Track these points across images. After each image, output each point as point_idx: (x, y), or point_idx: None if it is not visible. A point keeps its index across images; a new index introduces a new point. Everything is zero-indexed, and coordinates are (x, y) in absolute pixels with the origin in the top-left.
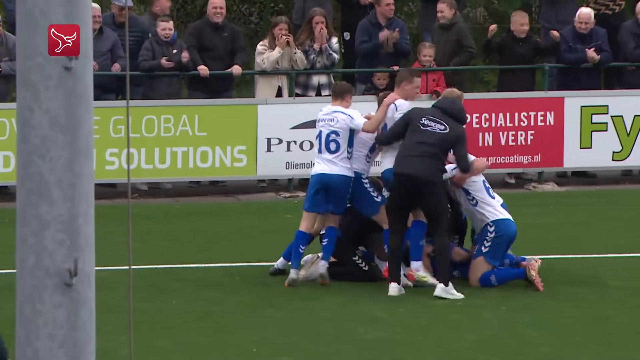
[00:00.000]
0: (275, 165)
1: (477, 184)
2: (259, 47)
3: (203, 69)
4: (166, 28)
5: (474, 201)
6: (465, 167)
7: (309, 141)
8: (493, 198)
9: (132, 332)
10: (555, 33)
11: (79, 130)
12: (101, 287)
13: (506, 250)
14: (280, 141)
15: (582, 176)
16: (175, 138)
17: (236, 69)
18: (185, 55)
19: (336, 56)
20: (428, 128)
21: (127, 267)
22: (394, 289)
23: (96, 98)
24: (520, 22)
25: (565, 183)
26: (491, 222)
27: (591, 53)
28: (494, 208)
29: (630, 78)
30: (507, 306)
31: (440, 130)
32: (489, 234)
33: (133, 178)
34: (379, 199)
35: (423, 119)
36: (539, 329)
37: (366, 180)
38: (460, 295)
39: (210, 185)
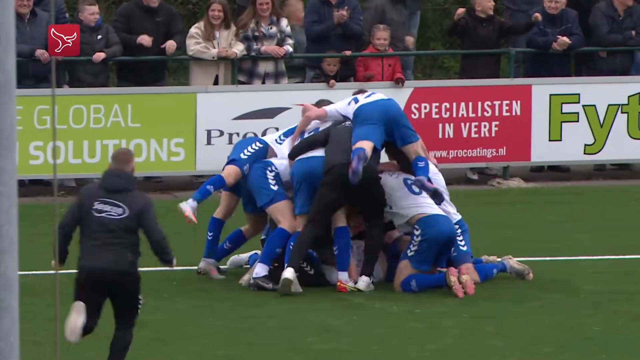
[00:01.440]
0: (216, 160)
1: (391, 179)
2: (193, 30)
3: (144, 39)
4: (94, 12)
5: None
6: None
7: (253, 133)
8: (417, 194)
9: (59, 342)
10: (537, 15)
11: (0, 122)
12: (25, 294)
13: (438, 252)
14: (222, 133)
15: (552, 171)
16: (106, 130)
17: (170, 45)
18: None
19: (291, 41)
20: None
21: (53, 272)
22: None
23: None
24: None
25: (532, 179)
26: (416, 223)
27: (562, 39)
28: (417, 204)
29: (603, 64)
30: (470, 313)
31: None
32: (414, 237)
33: (60, 174)
34: (275, 188)
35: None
36: (505, 338)
37: (271, 169)
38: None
39: (144, 181)
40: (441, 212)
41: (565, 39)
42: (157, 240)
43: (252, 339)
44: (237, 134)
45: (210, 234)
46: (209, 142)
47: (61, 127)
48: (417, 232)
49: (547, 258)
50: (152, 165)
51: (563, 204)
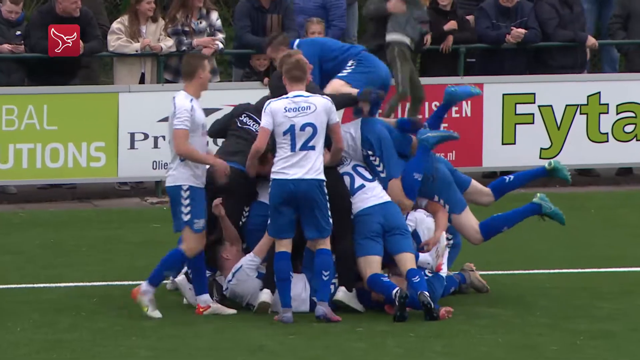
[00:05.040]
0: (139, 166)
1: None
2: (115, 25)
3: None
4: (13, 10)
5: None
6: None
7: None
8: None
9: None
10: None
11: None
12: None
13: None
14: (146, 136)
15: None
16: (20, 133)
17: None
18: None
19: (221, 36)
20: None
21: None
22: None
23: None
24: None
25: (483, 185)
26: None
27: (515, 32)
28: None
29: (560, 61)
30: (416, 332)
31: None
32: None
33: None
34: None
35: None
36: (453, 358)
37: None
38: (360, 308)
39: (62, 189)
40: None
41: (521, 30)
42: None
43: None
44: (163, 137)
45: None
46: (132, 146)
47: None
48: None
49: (499, 272)
50: (70, 171)
51: None
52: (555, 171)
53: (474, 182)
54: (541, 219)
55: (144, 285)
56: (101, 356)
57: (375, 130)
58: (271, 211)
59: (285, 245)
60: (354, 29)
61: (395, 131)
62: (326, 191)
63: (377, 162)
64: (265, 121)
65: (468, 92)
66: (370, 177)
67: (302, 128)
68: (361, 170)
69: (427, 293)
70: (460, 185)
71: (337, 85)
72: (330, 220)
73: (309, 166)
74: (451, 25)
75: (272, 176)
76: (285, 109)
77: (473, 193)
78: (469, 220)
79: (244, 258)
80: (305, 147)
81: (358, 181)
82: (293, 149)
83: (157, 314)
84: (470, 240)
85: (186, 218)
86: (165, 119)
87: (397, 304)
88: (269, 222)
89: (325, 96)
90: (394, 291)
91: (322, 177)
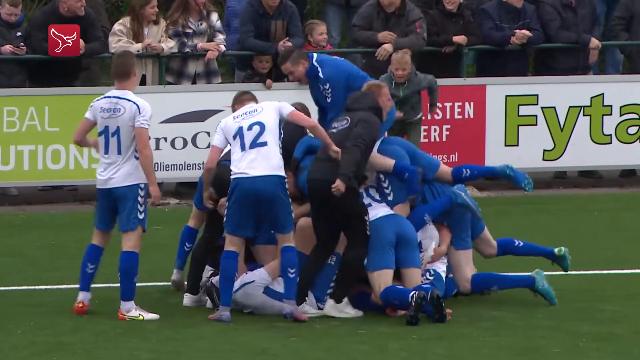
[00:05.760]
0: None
1: None
2: (116, 26)
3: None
4: (12, 13)
5: None
6: None
7: (182, 138)
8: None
9: None
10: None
11: None
12: None
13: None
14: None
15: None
16: (21, 134)
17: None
18: None
19: (222, 37)
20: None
21: None
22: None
23: None
24: None
25: (487, 187)
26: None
27: (522, 32)
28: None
29: (563, 64)
30: (418, 335)
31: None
32: None
33: None
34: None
35: None
36: None
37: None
38: (355, 313)
39: (62, 191)
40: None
41: (525, 31)
42: None
43: None
44: (165, 138)
45: (188, 246)
46: None
47: None
48: None
49: (501, 274)
50: (71, 173)
51: (520, 214)
52: (561, 259)
53: (485, 231)
54: (533, 293)
55: (122, 305)
56: (102, 359)
57: (390, 152)
58: (230, 207)
59: (236, 245)
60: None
61: (419, 153)
62: (287, 187)
63: (386, 185)
64: (216, 139)
65: (521, 180)
66: (379, 199)
67: (250, 127)
68: (371, 191)
69: (438, 291)
70: (474, 229)
71: (378, 160)
72: (292, 217)
73: (262, 163)
74: (460, 39)
75: (231, 177)
76: (234, 117)
77: (481, 242)
78: (467, 263)
79: (259, 273)
80: (255, 144)
81: (366, 200)
82: (243, 148)
83: (153, 316)
84: (457, 284)
85: (141, 216)
86: (167, 120)
87: (413, 304)
88: (225, 217)
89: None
90: (411, 293)
91: (280, 173)
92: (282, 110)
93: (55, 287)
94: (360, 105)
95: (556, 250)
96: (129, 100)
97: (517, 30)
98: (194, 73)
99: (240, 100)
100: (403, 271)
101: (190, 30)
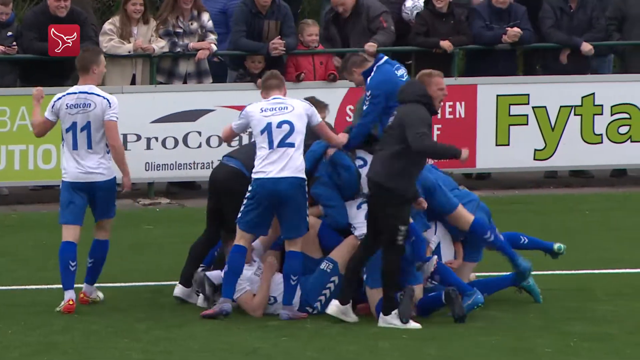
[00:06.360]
0: (132, 167)
1: None
2: (107, 25)
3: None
4: (3, 12)
5: None
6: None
7: (174, 138)
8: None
9: None
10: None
11: None
12: None
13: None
14: (139, 137)
15: (499, 178)
16: (12, 134)
17: None
18: None
19: (213, 37)
20: None
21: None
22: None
23: None
24: None
25: (477, 187)
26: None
27: (512, 32)
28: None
29: (554, 63)
30: (409, 334)
31: None
32: None
33: None
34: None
35: None
36: None
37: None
38: (353, 319)
39: (54, 190)
40: None
41: (517, 29)
42: None
43: None
44: (156, 138)
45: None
46: (125, 148)
47: None
48: None
49: (493, 273)
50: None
51: (511, 213)
52: (555, 254)
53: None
54: (518, 290)
55: (87, 288)
56: (94, 359)
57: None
58: (249, 204)
59: (247, 241)
60: None
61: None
62: (307, 190)
63: None
64: (237, 124)
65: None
66: None
67: (279, 125)
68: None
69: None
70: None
71: None
72: (307, 222)
73: (287, 164)
74: (446, 45)
75: (253, 176)
76: (261, 109)
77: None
78: (467, 273)
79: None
80: (283, 144)
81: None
82: (271, 146)
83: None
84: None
85: (115, 208)
86: (158, 120)
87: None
88: (240, 213)
89: (305, 101)
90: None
91: (302, 175)
92: (312, 119)
93: (46, 286)
94: (407, 96)
95: (556, 247)
96: (99, 96)
97: (509, 29)
98: (185, 73)
99: (267, 86)
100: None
101: (181, 30)
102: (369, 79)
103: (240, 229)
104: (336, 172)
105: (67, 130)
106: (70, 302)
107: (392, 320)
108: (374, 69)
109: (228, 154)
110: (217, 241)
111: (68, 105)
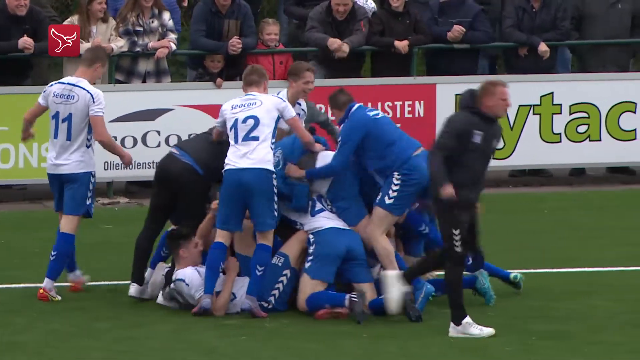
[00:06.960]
0: None
1: None
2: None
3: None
4: None
5: None
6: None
7: (132, 137)
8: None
9: None
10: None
11: None
12: None
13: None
14: None
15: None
16: None
17: (22, 43)
18: None
19: (173, 36)
20: None
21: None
22: None
23: None
24: None
25: None
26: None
27: (456, 28)
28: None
29: (523, 62)
30: (369, 333)
31: None
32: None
33: None
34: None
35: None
36: (408, 359)
37: None
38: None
39: (12, 189)
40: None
41: (460, 27)
42: None
43: None
44: (115, 137)
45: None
46: None
47: None
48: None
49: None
50: (21, 172)
51: None
52: (517, 285)
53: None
54: (472, 291)
55: (47, 283)
56: (54, 358)
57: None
58: (220, 199)
59: (224, 237)
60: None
61: None
62: (275, 184)
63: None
64: (217, 121)
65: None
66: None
67: (244, 120)
68: (323, 201)
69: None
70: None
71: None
72: (276, 214)
73: (251, 155)
74: (401, 46)
75: (224, 168)
76: (232, 106)
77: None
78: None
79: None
80: (247, 138)
81: (318, 206)
82: (236, 141)
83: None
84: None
85: (88, 202)
86: (117, 119)
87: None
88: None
89: (279, 97)
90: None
91: (268, 167)
92: (284, 113)
93: (6, 286)
94: (460, 106)
95: (511, 277)
96: (83, 89)
97: (455, 26)
98: (144, 72)
99: (246, 81)
100: (356, 287)
101: (141, 29)
102: (342, 126)
103: (216, 226)
104: (288, 185)
105: (52, 118)
106: (41, 291)
107: (465, 329)
108: (349, 115)
109: (178, 144)
110: (158, 234)
111: (55, 93)
